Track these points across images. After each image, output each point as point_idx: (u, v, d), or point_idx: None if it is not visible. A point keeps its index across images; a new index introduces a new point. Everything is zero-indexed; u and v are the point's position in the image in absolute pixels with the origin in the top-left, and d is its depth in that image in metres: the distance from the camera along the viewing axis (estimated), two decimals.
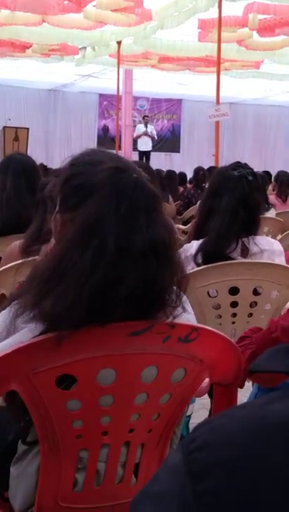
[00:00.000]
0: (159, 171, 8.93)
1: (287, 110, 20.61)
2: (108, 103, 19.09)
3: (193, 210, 6.70)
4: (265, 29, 10.36)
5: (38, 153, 14.98)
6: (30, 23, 10.56)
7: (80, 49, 13.14)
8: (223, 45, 9.56)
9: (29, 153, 7.02)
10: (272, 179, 7.89)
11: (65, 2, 9.32)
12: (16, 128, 13.66)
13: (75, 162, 1.44)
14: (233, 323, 2.54)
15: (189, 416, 2.06)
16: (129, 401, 1.37)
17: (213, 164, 9.01)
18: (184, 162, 18.86)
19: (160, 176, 7.89)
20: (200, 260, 2.51)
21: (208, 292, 2.50)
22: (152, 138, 16.46)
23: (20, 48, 12.60)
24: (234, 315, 2.54)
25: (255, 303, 2.54)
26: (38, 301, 1.28)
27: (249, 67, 14.20)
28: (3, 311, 1.38)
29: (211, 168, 7.92)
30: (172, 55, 12.92)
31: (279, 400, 0.55)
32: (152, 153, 17.05)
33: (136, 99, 17.93)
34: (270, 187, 7.72)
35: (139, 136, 16.14)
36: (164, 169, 11.02)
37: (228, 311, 2.53)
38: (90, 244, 1.26)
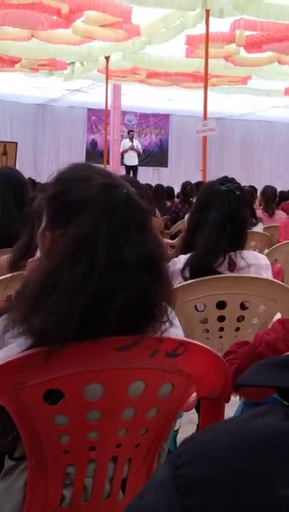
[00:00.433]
0: (147, 185, 8.96)
1: (273, 125, 20.77)
2: (96, 118, 19.15)
3: (180, 225, 6.72)
4: (252, 45, 10.42)
5: (26, 167, 15.01)
6: (19, 38, 10.58)
7: (69, 64, 13.17)
8: (210, 60, 9.61)
9: (18, 167, 7.02)
10: (259, 194, 7.93)
11: (54, 17, 9.35)
12: (5, 142, 13.64)
13: (63, 177, 1.44)
14: (221, 337, 2.54)
15: (177, 430, 2.06)
16: (117, 416, 1.37)
17: (200, 179, 9.04)
18: (171, 177, 18.92)
19: (147, 191, 7.91)
20: (187, 274, 2.52)
21: (195, 306, 2.51)
22: (138, 152, 16.52)
23: (8, 62, 12.62)
24: (221, 329, 2.54)
25: (243, 317, 2.55)
26: (28, 316, 1.27)
27: (236, 82, 14.29)
28: None
29: (198, 183, 7.96)
30: (160, 70, 12.98)
31: (264, 415, 0.56)
32: (140, 168, 17.11)
33: (124, 113, 18.03)
34: (257, 202, 7.75)
35: (125, 151, 16.19)
36: (152, 183, 11.05)
37: (215, 325, 2.53)
38: (82, 259, 1.26)
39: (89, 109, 19.26)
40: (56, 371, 1.28)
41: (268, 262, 2.69)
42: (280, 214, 7.17)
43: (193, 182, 8.89)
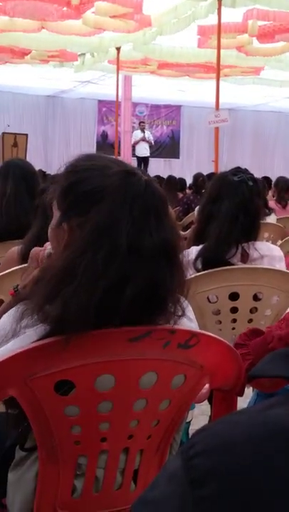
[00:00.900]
0: (155, 178, 8.94)
1: (286, 116, 20.67)
2: (107, 109, 19.13)
3: (192, 216, 6.70)
4: (265, 35, 10.38)
5: (36, 159, 15.00)
6: (29, 30, 10.58)
7: (79, 55, 13.17)
8: (222, 51, 9.58)
9: (28, 159, 7.03)
10: (272, 185, 7.90)
11: (64, 8, 9.33)
12: (15, 134, 13.64)
13: (77, 168, 1.43)
14: (233, 328, 2.53)
15: (189, 422, 2.06)
16: (129, 407, 1.37)
17: (212, 170, 9.02)
18: (183, 168, 18.90)
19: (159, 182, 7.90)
20: (200, 266, 2.51)
21: (208, 298, 2.50)
22: (149, 143, 16.50)
23: (19, 54, 12.63)
24: (234, 321, 2.53)
25: (256, 308, 2.53)
26: (47, 302, 1.27)
27: (249, 73, 14.23)
28: (9, 311, 1.37)
29: (210, 175, 7.93)
30: (171, 61, 12.94)
31: (278, 406, 0.55)
32: (151, 159, 17.09)
33: (135, 105, 17.98)
34: (270, 193, 7.72)
35: (137, 142, 16.18)
36: (164, 175, 11.04)
37: (228, 316, 2.52)
38: (103, 245, 1.26)
39: (99, 101, 19.25)
40: (68, 362, 1.27)
41: (282, 253, 2.67)
42: None
43: (204, 173, 8.87)
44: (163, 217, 1.33)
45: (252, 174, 2.66)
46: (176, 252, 1.35)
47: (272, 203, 6.78)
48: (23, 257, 2.34)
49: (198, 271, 2.49)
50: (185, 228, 6.56)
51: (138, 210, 1.29)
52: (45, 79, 15.94)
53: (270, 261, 2.57)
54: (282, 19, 9.70)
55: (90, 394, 1.31)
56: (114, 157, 1.58)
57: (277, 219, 5.64)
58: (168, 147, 20.44)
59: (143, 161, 16.13)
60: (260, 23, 9.99)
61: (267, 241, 3.72)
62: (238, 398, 1.60)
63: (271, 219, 5.33)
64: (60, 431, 1.33)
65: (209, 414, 2.62)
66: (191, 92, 16.99)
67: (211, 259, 2.50)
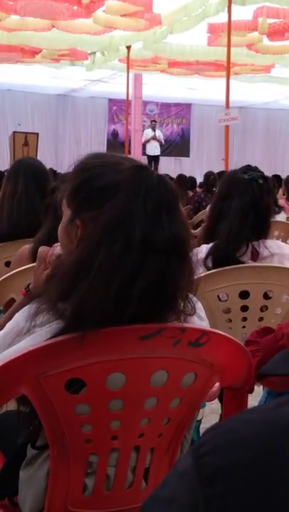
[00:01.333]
0: (168, 176, 8.94)
1: None
2: (118, 108, 19.13)
3: (203, 214, 6.69)
4: (275, 33, 10.33)
5: (47, 158, 15.02)
6: (39, 29, 10.59)
7: (90, 54, 13.16)
8: (232, 49, 9.53)
9: (39, 158, 7.03)
10: (282, 183, 7.87)
11: (75, 7, 9.34)
12: (26, 133, 13.66)
13: (88, 166, 1.44)
14: (244, 327, 2.53)
15: (200, 421, 2.06)
16: (139, 405, 1.37)
17: (222, 169, 8.99)
18: (193, 166, 18.86)
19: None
20: (210, 264, 2.51)
21: (218, 296, 2.49)
22: (160, 142, 16.49)
23: (29, 53, 12.64)
24: (244, 319, 2.53)
25: (266, 307, 2.53)
26: (62, 299, 1.28)
27: (259, 71, 14.18)
28: (23, 309, 1.37)
29: (221, 173, 7.92)
30: (182, 59, 12.91)
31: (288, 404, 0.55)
32: (162, 158, 17.07)
33: (145, 103, 17.97)
34: (280, 191, 7.69)
35: (147, 141, 16.17)
36: (174, 173, 11.03)
37: (238, 315, 2.52)
38: (118, 239, 1.26)
39: (110, 99, 19.25)
40: (79, 360, 1.27)
41: None
42: None
43: (215, 172, 8.85)
44: (174, 212, 1.33)
45: (262, 172, 2.65)
46: (187, 248, 1.35)
47: (282, 201, 6.75)
48: (34, 256, 2.34)
49: (208, 269, 2.49)
50: (195, 226, 6.55)
51: (151, 203, 1.29)
52: (55, 78, 15.94)
53: (281, 259, 2.56)
54: None
55: (101, 392, 1.31)
56: (123, 155, 1.59)
57: (287, 217, 5.62)
58: (178, 146, 20.40)
59: (154, 160, 16.11)
60: (271, 20, 9.94)
61: (277, 239, 3.70)
62: (249, 397, 1.60)
63: (281, 217, 5.31)
64: (71, 429, 1.34)
65: (220, 412, 2.62)
66: (202, 91, 16.94)
67: (221, 258, 2.49)
